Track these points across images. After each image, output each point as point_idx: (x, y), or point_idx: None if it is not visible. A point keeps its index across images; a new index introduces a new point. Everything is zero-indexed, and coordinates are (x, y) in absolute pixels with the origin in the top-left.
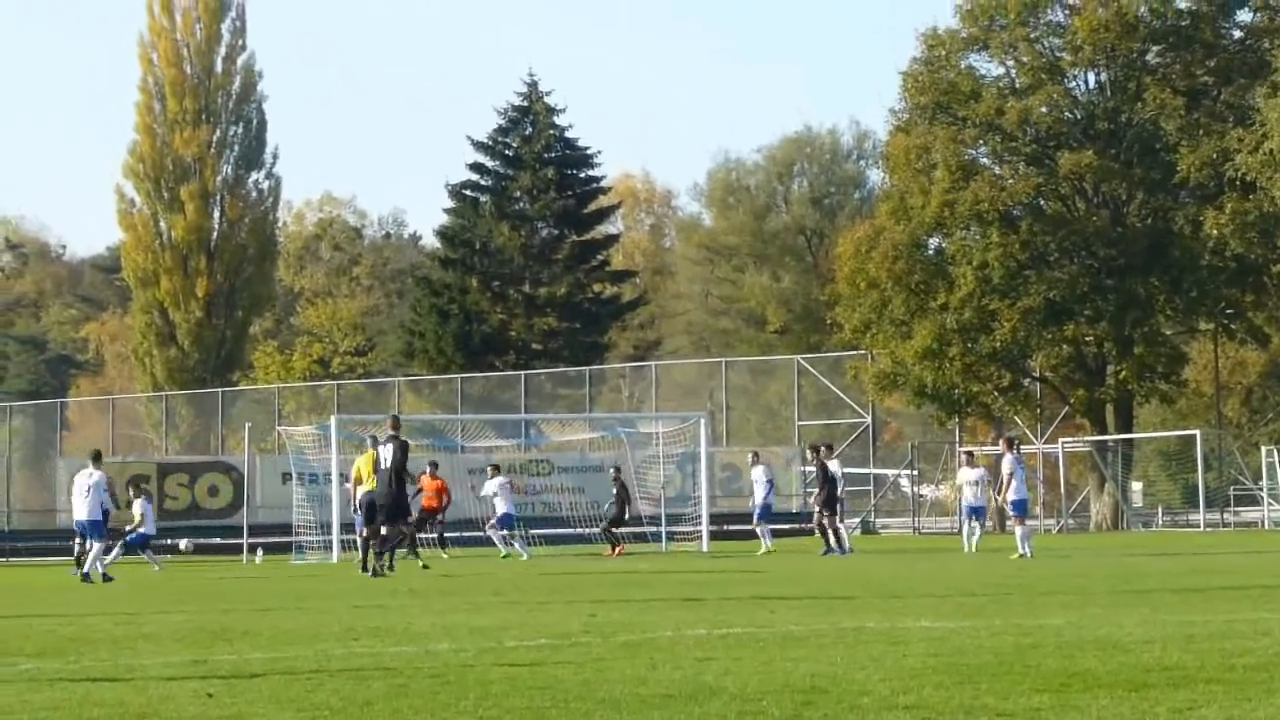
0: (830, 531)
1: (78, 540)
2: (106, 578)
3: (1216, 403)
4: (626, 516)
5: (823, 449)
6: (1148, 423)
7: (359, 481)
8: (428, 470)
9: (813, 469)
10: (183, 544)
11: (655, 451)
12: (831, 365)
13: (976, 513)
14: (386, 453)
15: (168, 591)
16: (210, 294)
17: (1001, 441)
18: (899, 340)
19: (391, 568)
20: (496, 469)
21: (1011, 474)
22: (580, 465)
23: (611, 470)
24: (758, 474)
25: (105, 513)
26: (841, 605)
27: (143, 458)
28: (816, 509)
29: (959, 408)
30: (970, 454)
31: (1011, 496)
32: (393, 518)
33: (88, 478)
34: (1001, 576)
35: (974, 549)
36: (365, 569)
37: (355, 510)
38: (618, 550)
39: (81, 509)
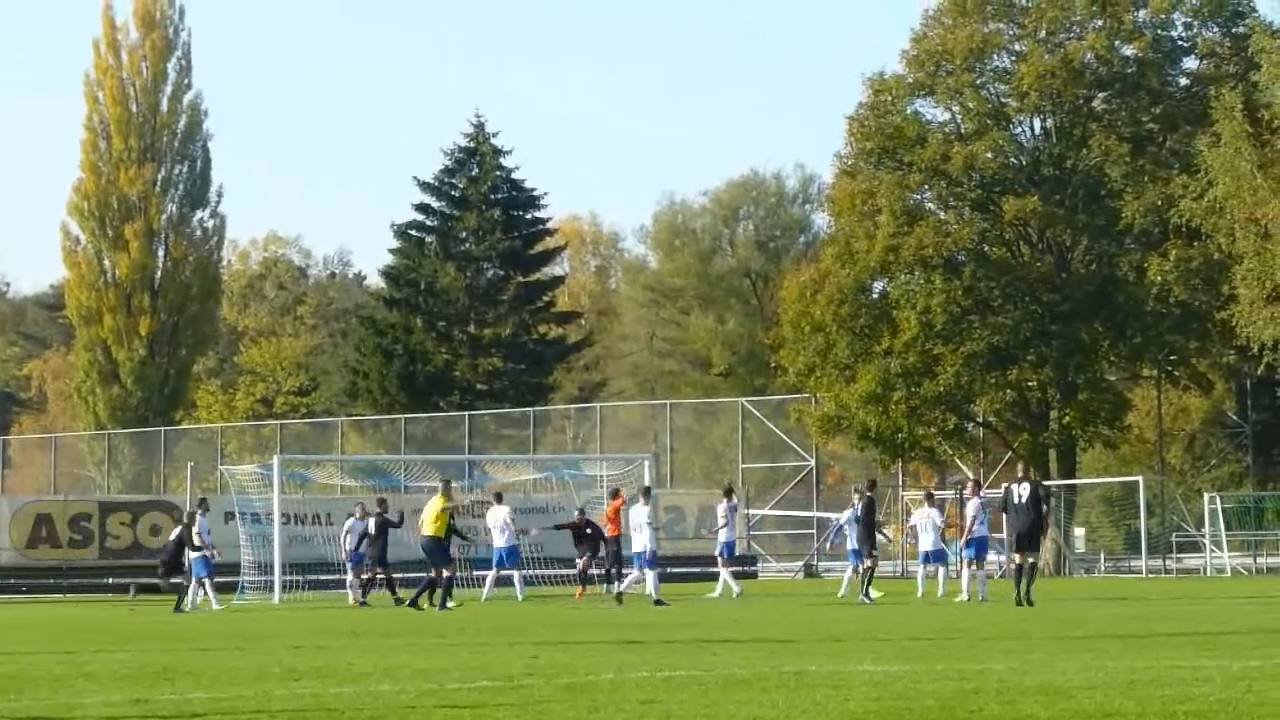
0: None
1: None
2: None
3: (1159, 449)
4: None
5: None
6: (1090, 468)
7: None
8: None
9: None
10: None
11: (600, 493)
12: (775, 408)
13: (937, 557)
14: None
15: (109, 631)
16: (153, 332)
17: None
18: (843, 384)
19: (445, 605)
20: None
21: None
22: (524, 507)
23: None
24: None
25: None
26: (784, 649)
27: (84, 496)
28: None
29: (902, 451)
30: (930, 494)
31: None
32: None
33: (501, 513)
34: (945, 621)
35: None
36: (444, 605)
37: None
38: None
39: (500, 539)
